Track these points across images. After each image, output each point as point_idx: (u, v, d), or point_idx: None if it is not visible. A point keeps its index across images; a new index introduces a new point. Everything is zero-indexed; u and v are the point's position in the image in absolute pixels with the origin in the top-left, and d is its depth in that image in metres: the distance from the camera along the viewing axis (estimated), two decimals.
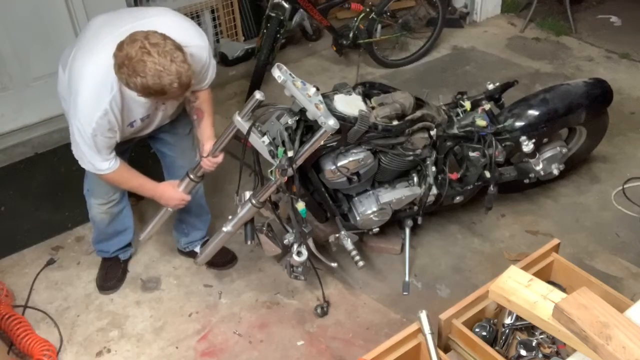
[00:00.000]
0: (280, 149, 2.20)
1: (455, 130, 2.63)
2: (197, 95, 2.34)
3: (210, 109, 2.40)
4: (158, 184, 2.40)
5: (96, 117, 2.02)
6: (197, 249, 2.80)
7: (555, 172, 2.95)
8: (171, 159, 2.59)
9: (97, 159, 2.16)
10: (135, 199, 2.91)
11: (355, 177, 2.45)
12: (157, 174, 2.54)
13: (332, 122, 2.09)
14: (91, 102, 2.02)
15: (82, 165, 2.22)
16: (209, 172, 2.43)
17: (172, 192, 2.42)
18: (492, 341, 2.14)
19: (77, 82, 2.02)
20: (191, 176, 2.43)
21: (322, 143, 2.22)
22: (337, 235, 2.58)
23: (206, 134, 2.38)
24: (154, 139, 2.53)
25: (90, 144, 2.09)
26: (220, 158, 2.38)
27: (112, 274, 2.76)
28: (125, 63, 1.85)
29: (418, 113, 2.46)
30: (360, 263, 2.53)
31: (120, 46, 1.87)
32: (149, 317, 2.61)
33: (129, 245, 2.79)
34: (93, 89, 2.01)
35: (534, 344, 2.11)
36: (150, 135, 2.45)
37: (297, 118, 2.25)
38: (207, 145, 2.37)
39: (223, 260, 2.80)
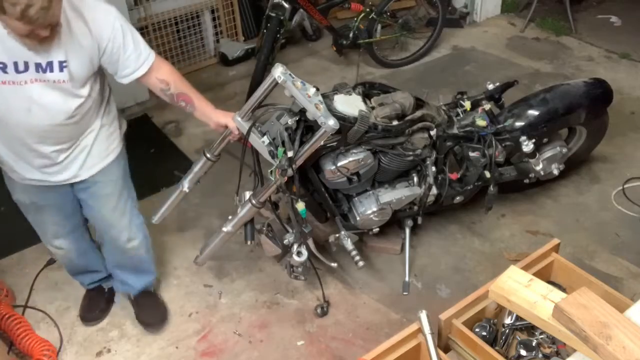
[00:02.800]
0: (280, 149, 2.20)
1: (455, 130, 2.63)
2: (162, 79, 2.10)
3: (189, 86, 2.17)
4: None
5: None
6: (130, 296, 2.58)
7: (555, 172, 2.95)
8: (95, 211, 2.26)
9: None
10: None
11: (355, 177, 2.45)
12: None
13: (332, 122, 2.09)
14: None
15: None
16: (233, 141, 2.33)
17: None
18: (492, 341, 2.14)
19: None
20: (208, 155, 2.40)
21: (322, 143, 2.22)
22: (337, 235, 2.58)
23: (208, 110, 2.22)
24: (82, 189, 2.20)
25: None
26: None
27: (94, 305, 2.61)
28: None
29: (418, 113, 2.46)
30: (360, 263, 2.53)
31: None
32: None
33: (109, 275, 2.59)
34: None
35: (534, 344, 2.11)
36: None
37: (297, 118, 2.25)
38: (226, 118, 2.24)
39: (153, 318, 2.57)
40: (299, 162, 2.24)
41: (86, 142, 2.09)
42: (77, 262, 2.47)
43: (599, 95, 2.94)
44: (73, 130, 2.03)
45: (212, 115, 2.23)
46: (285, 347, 2.46)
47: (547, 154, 2.88)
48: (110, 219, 2.26)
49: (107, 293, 2.65)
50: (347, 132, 2.29)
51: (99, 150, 2.14)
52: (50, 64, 1.84)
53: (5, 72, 1.79)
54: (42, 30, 1.71)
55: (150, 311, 2.57)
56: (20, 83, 1.82)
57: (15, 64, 1.80)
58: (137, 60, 2.03)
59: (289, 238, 2.46)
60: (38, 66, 1.82)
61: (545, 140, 2.85)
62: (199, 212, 3.10)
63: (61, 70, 1.86)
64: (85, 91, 1.97)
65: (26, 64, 1.81)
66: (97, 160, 2.15)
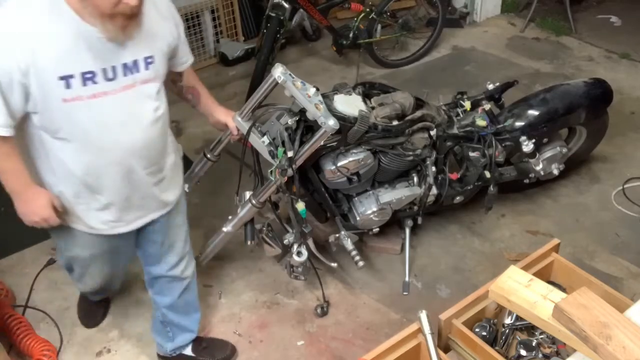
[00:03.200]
0: (280, 149, 2.20)
1: (455, 130, 2.63)
2: (181, 72, 2.03)
3: (197, 79, 2.12)
4: (32, 183, 1.75)
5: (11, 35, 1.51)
6: (189, 351, 2.34)
7: (555, 172, 2.95)
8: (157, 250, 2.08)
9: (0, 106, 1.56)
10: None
11: (355, 177, 2.45)
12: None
13: (332, 122, 2.09)
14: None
15: None
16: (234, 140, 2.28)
17: (43, 203, 1.75)
18: (492, 341, 2.14)
19: None
20: (208, 155, 2.37)
21: (322, 143, 2.22)
22: (337, 235, 2.58)
23: (211, 106, 2.17)
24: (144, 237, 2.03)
25: None
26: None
27: (96, 311, 2.57)
28: None
29: (418, 113, 2.46)
30: (360, 263, 2.53)
31: None
32: (149, 317, 2.60)
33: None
34: None
35: (534, 344, 2.11)
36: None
37: (297, 118, 2.25)
38: (227, 117, 2.19)
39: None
40: (299, 162, 2.24)
41: (169, 161, 1.92)
42: (101, 293, 2.39)
43: (599, 95, 2.94)
44: (160, 143, 1.84)
45: (214, 112, 2.21)
46: (285, 347, 2.46)
47: (547, 154, 2.88)
48: (182, 250, 2.13)
49: (104, 301, 2.59)
50: (347, 132, 2.29)
51: (177, 173, 2.00)
52: (136, 63, 1.67)
53: (94, 82, 1.59)
54: None
55: (219, 345, 2.40)
56: (112, 93, 1.64)
57: (104, 70, 1.60)
58: (186, 46, 1.95)
59: (289, 238, 2.46)
60: (125, 68, 1.64)
61: (545, 140, 2.85)
62: (199, 212, 3.10)
63: (147, 67, 1.70)
64: (163, 92, 1.82)
65: (114, 69, 1.62)
66: (176, 186, 2.01)
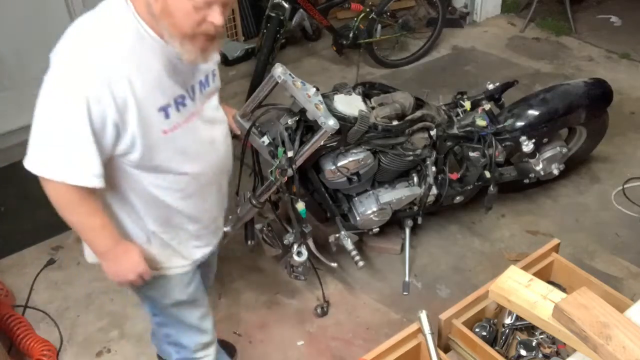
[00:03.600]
0: (280, 149, 2.20)
1: (455, 130, 2.63)
2: None
3: None
4: (121, 239, 1.58)
5: (90, 72, 1.33)
6: None
7: (555, 172, 2.95)
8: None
9: (91, 153, 1.37)
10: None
11: (355, 177, 2.45)
12: None
13: (332, 122, 2.09)
14: (80, 50, 1.37)
15: (48, 171, 1.39)
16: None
17: (136, 258, 1.59)
18: (492, 341, 2.14)
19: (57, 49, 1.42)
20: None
21: (322, 143, 2.22)
22: (337, 235, 2.58)
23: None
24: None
25: (85, 124, 1.34)
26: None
27: None
28: None
29: (418, 113, 2.46)
30: (360, 263, 2.53)
31: None
32: (149, 317, 2.60)
33: None
34: (86, 33, 1.40)
35: (534, 344, 2.11)
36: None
37: (297, 118, 2.25)
38: (228, 115, 1.92)
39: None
40: (299, 162, 2.24)
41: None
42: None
43: (599, 95, 2.94)
44: (231, 150, 1.77)
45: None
46: (285, 347, 2.46)
47: (547, 154, 2.88)
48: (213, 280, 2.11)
49: None
50: (347, 132, 2.29)
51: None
52: (207, 78, 1.60)
53: (184, 105, 1.50)
54: (223, 8, 1.38)
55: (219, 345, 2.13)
56: (197, 112, 1.55)
57: (187, 91, 1.52)
58: None
59: (289, 238, 2.47)
60: (200, 85, 1.57)
61: (545, 140, 2.85)
62: None
63: (213, 80, 1.63)
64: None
65: (193, 88, 1.54)
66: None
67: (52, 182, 1.40)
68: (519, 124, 2.74)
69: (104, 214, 1.53)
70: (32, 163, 1.39)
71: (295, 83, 2.13)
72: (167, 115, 1.46)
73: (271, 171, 2.24)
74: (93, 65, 1.34)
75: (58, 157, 1.37)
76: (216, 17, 1.36)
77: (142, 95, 1.39)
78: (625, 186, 3.19)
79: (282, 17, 3.84)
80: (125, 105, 1.37)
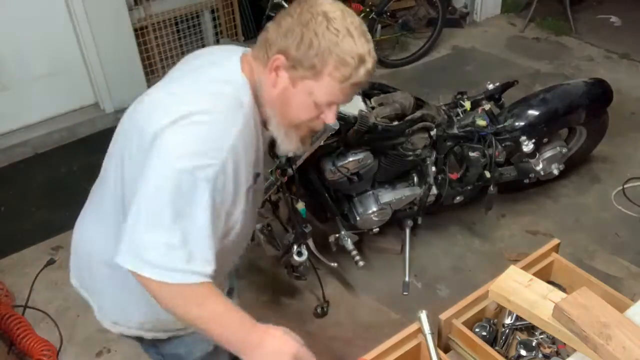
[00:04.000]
0: None
1: (455, 130, 2.63)
2: None
3: None
4: (255, 321, 1.37)
5: (226, 147, 1.23)
6: None
7: (555, 172, 2.95)
8: None
9: (205, 247, 1.22)
10: None
11: (355, 177, 2.45)
12: None
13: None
14: (214, 127, 1.24)
15: (164, 276, 1.19)
16: None
17: (286, 339, 1.38)
18: (492, 341, 2.14)
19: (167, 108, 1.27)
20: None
21: (322, 143, 2.22)
22: (337, 235, 2.58)
23: None
24: None
25: (206, 209, 1.22)
26: None
27: None
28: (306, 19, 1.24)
29: (418, 113, 2.46)
30: (360, 263, 2.53)
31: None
32: None
33: None
34: (210, 105, 1.27)
35: (534, 344, 2.11)
36: None
37: None
38: None
39: None
40: (299, 162, 2.23)
41: None
42: None
43: (599, 95, 2.94)
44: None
45: None
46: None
47: (547, 154, 2.88)
48: None
49: None
50: (347, 132, 2.29)
51: None
52: None
53: (256, 182, 1.44)
54: (346, 97, 1.33)
55: None
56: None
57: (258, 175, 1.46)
58: None
59: (289, 238, 2.46)
60: None
61: (545, 140, 2.85)
62: None
63: None
64: None
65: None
66: None
67: (167, 283, 1.20)
68: (519, 124, 2.74)
69: (225, 297, 1.33)
70: (145, 265, 1.19)
71: None
72: (248, 196, 1.38)
73: (271, 171, 2.24)
74: (215, 150, 1.23)
75: (180, 255, 1.19)
76: (330, 117, 1.33)
77: (242, 179, 1.31)
78: (625, 186, 3.19)
79: None
80: (237, 191, 1.30)
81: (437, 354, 1.92)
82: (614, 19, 4.97)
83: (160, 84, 1.43)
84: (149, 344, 1.64)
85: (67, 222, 3.03)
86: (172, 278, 1.18)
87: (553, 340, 2.13)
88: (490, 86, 2.78)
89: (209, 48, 1.58)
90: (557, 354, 2.10)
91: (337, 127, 2.11)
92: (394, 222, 2.75)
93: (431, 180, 2.60)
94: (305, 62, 1.24)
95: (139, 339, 1.62)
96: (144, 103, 1.37)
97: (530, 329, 2.19)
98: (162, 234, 1.18)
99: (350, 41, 1.23)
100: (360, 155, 2.39)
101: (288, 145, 1.38)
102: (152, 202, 1.20)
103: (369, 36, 1.28)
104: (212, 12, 4.40)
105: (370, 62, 1.26)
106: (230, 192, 1.28)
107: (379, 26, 4.24)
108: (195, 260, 1.20)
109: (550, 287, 1.81)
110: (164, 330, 1.57)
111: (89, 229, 1.57)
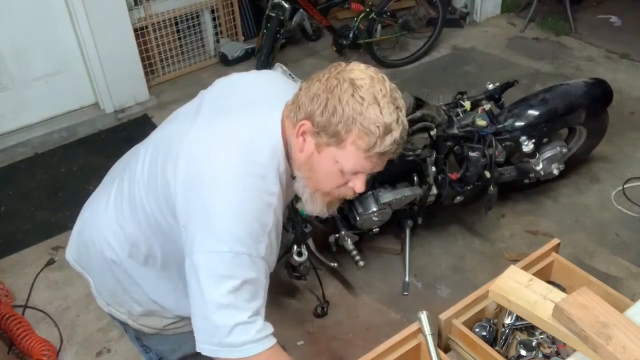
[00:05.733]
0: None
1: (455, 130, 2.63)
2: None
3: None
4: None
5: (269, 216, 1.29)
6: None
7: (555, 172, 2.95)
8: None
9: (258, 317, 1.38)
10: None
11: None
12: None
13: None
14: (257, 206, 1.28)
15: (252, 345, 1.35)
16: None
17: None
18: (492, 341, 2.14)
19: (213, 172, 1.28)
20: None
21: None
22: (337, 235, 2.58)
23: None
24: None
25: (259, 278, 1.40)
26: None
27: None
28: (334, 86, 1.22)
29: (418, 113, 2.46)
30: (360, 263, 2.53)
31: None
32: None
33: None
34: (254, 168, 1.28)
35: (534, 344, 2.11)
36: None
37: None
38: None
39: None
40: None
41: None
42: None
43: (599, 95, 2.94)
44: None
45: None
46: (285, 347, 2.46)
47: (547, 154, 2.88)
48: None
49: None
50: None
51: None
52: None
53: None
54: (368, 177, 1.33)
55: None
56: None
57: None
58: None
59: (289, 238, 2.46)
60: None
61: (545, 140, 2.85)
62: None
63: None
64: None
65: None
66: None
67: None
68: (519, 124, 2.74)
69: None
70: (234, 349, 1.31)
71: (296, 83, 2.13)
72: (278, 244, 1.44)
73: None
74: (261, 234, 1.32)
75: (260, 323, 1.37)
76: (358, 185, 1.31)
77: (279, 230, 1.38)
78: (625, 186, 3.19)
79: (282, 17, 3.84)
80: (276, 245, 1.40)
81: (437, 355, 1.92)
82: (614, 19, 4.97)
83: (198, 116, 1.39)
84: (133, 334, 1.67)
85: (67, 222, 3.06)
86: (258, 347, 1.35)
87: (553, 340, 2.13)
88: (490, 86, 2.78)
89: (249, 77, 1.53)
90: (557, 354, 2.10)
91: None
92: (394, 222, 2.75)
93: (431, 180, 2.60)
94: (329, 130, 1.22)
95: (125, 325, 1.66)
96: (184, 143, 1.33)
97: (530, 329, 2.19)
98: (242, 307, 1.37)
99: (375, 110, 1.19)
100: None
101: (312, 208, 1.40)
102: (220, 284, 1.32)
103: (399, 103, 1.25)
104: (212, 12, 4.40)
105: (397, 131, 1.22)
106: (275, 247, 1.40)
107: (379, 26, 4.24)
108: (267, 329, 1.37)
109: (550, 287, 1.81)
110: (149, 326, 1.61)
111: (97, 217, 1.59)
